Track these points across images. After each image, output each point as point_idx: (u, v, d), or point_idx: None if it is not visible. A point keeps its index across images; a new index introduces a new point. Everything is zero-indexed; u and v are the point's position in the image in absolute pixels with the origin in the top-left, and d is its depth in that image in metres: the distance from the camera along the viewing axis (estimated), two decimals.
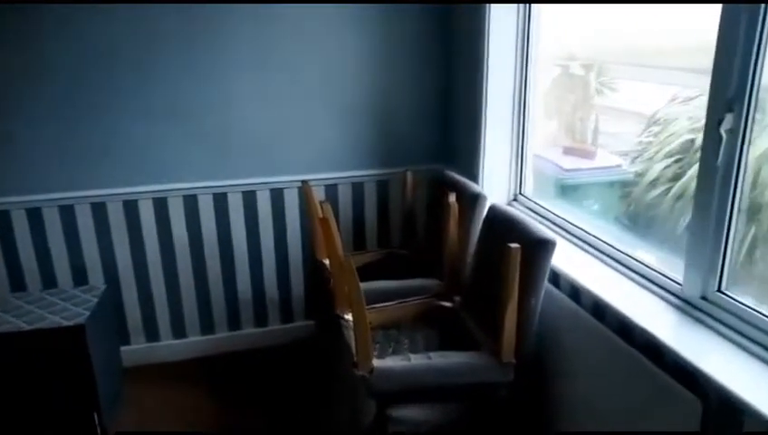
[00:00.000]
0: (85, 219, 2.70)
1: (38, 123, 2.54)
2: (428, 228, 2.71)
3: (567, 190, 2.77)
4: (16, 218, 2.63)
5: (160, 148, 2.69)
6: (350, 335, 2.04)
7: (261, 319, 3.05)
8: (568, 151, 2.89)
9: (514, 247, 1.73)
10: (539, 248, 1.81)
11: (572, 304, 1.94)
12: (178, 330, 2.96)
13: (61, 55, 2.49)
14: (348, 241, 2.98)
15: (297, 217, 2.93)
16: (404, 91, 2.88)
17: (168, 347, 2.96)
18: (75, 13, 2.45)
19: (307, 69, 2.75)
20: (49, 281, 2.73)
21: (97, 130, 2.61)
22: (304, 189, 2.55)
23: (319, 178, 2.87)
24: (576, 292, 1.95)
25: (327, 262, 2.49)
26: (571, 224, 2.25)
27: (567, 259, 2.04)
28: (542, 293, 1.87)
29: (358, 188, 2.96)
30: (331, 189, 2.93)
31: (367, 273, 2.52)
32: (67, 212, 2.67)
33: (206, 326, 2.99)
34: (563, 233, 2.25)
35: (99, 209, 2.70)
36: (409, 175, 2.71)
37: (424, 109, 2.93)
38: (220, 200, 2.83)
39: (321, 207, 2.16)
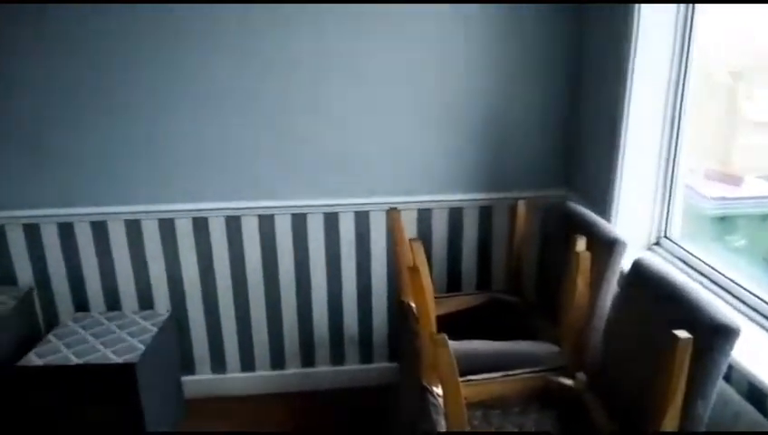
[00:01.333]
0: (151, 235, 2.44)
1: (119, 135, 2.31)
2: (543, 271, 2.21)
3: (715, 225, 2.21)
4: (80, 233, 2.41)
5: (234, 161, 2.38)
6: (439, 413, 1.60)
7: (337, 357, 2.67)
8: (712, 176, 2.31)
9: (684, 338, 1.21)
10: (716, 338, 1.28)
11: (752, 411, 1.39)
12: (247, 362, 2.65)
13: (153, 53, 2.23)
14: (440, 278, 2.53)
15: (384, 245, 2.52)
16: (519, 102, 2.39)
17: (235, 380, 2.66)
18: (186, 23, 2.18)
19: (404, 76, 2.32)
20: (113, 302, 2.50)
21: (164, 142, 2.33)
22: (392, 218, 2.13)
23: (411, 200, 2.45)
24: (758, 394, 1.40)
25: (414, 306, 2.07)
26: (747, 290, 1.67)
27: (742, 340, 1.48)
28: (714, 395, 1.34)
29: (455, 215, 2.50)
30: (425, 215, 2.49)
31: (461, 323, 2.08)
32: (133, 228, 2.42)
33: (277, 361, 2.66)
34: (730, 299, 1.69)
35: (166, 226, 2.43)
36: (522, 205, 2.22)
37: (542, 123, 2.42)
38: (299, 222, 2.47)
39: (411, 247, 1.73)
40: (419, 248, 1.70)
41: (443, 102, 2.36)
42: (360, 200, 2.45)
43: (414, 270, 1.60)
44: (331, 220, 2.48)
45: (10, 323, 2.21)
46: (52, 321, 2.48)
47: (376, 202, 2.45)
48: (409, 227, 2.43)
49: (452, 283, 2.57)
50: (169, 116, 2.31)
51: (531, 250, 2.36)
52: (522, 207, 2.22)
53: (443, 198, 2.47)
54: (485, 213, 2.50)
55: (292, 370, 2.67)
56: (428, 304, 1.65)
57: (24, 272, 2.43)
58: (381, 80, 2.32)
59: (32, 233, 2.39)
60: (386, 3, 2.22)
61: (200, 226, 2.44)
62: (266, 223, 2.46)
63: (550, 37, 2.32)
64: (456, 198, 2.47)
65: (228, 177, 2.39)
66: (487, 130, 2.41)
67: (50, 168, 2.33)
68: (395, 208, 2.16)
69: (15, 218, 2.36)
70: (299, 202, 2.44)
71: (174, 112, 2.30)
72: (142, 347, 2.11)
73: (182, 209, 2.41)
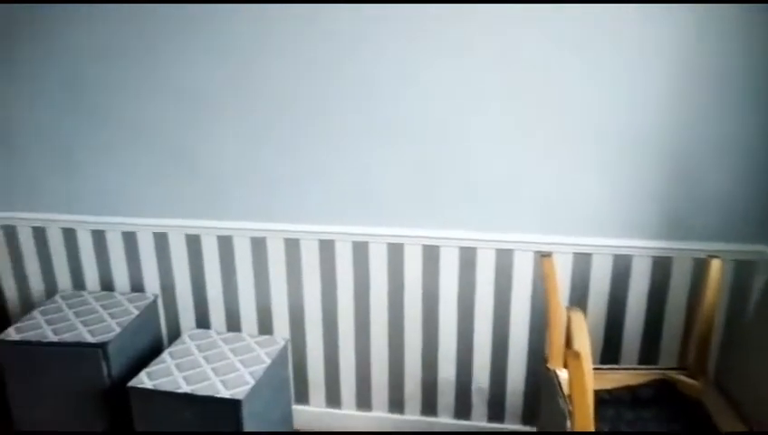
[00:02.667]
0: (277, 256, 2.29)
1: (255, 154, 2.18)
2: (736, 356, 1.71)
3: None
4: (207, 245, 2.32)
5: (365, 185, 2.14)
6: None
7: (462, 410, 2.35)
8: None
9: None
10: None
11: None
12: (363, 400, 2.42)
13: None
14: (596, 343, 2.10)
15: (529, 291, 2.15)
16: (708, 134, 1.88)
17: (350, 418, 2.44)
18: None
19: (560, 105, 1.93)
20: (234, 322, 2.40)
21: (300, 164, 2.16)
22: (544, 266, 1.76)
23: (565, 242, 2.05)
24: None
25: (563, 376, 1.69)
26: None
27: None
28: None
29: (621, 264, 2.06)
30: (582, 261, 2.07)
31: (618, 408, 1.66)
32: (259, 246, 2.28)
33: (396, 403, 2.39)
34: None
35: (292, 246, 2.27)
36: (716, 265, 1.73)
37: (739, 162, 1.89)
38: (430, 255, 2.18)
39: (571, 321, 1.36)
40: (581, 324, 1.32)
41: (614, 122, 1.93)
42: (502, 237, 2.09)
43: (574, 356, 1.23)
44: (468, 256, 2.15)
45: (136, 328, 2.20)
46: (174, 332, 2.44)
47: (522, 241, 2.08)
48: (562, 273, 2.04)
49: (609, 349, 2.12)
50: (315, 143, 2.13)
51: (721, 322, 1.86)
52: (715, 268, 1.73)
53: (606, 243, 2.03)
54: (660, 266, 2.03)
55: (412, 416, 2.39)
56: (587, 398, 1.27)
57: (151, 280, 2.41)
58: (533, 108, 1.95)
59: (162, 242, 2.35)
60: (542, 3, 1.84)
61: (326, 249, 2.24)
62: (395, 253, 2.20)
63: (753, 60, 1.79)
64: (622, 243, 2.03)
65: (358, 200, 2.16)
66: (668, 160, 1.93)
67: (186, 181, 2.26)
68: (548, 254, 1.79)
69: (147, 227, 2.34)
70: (432, 233, 2.14)
71: (323, 143, 2.12)
72: (252, 382, 1.95)
73: (309, 231, 2.23)
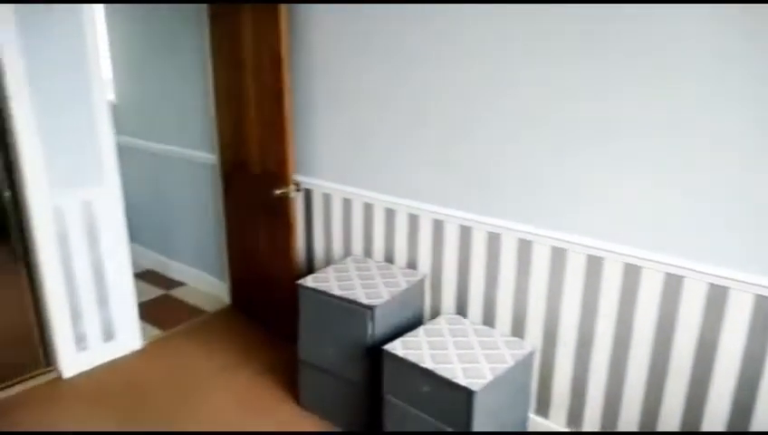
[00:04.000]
0: (541, 262, 2.27)
1: (554, 162, 2.22)
2: None
3: None
4: (477, 237, 2.43)
5: (647, 204, 1.96)
6: None
7: None
8: None
9: None
10: None
11: None
12: (608, 424, 2.24)
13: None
14: None
15: None
16: None
17: None
18: None
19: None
20: (489, 317, 2.47)
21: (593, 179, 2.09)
22: None
23: None
24: None
25: None
26: None
27: None
28: None
29: None
30: None
31: None
32: (525, 248, 2.29)
33: (648, 427, 2.16)
34: None
35: (558, 256, 2.22)
36: None
37: None
38: (716, 295, 1.89)
39: None
40: None
41: None
42: None
43: None
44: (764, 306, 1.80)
45: (402, 299, 2.45)
46: (434, 311, 2.63)
47: None
48: None
49: None
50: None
51: None
52: None
53: None
54: None
55: None
56: None
57: (424, 260, 2.63)
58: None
59: (438, 228, 2.55)
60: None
61: (593, 265, 2.13)
62: (672, 283, 1.96)
63: None
64: None
65: (636, 221, 1.99)
66: None
67: (467, 177, 2.41)
68: None
69: (429, 213, 2.56)
70: (718, 271, 1.85)
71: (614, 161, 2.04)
72: (491, 377, 1.99)
73: (578, 243, 2.15)
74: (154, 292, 3.81)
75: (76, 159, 2.74)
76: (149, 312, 3.48)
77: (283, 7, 2.65)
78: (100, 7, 3.86)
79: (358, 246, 2.89)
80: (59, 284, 2.77)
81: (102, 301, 2.95)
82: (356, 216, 2.85)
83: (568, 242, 2.16)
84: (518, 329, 2.39)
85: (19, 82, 2.49)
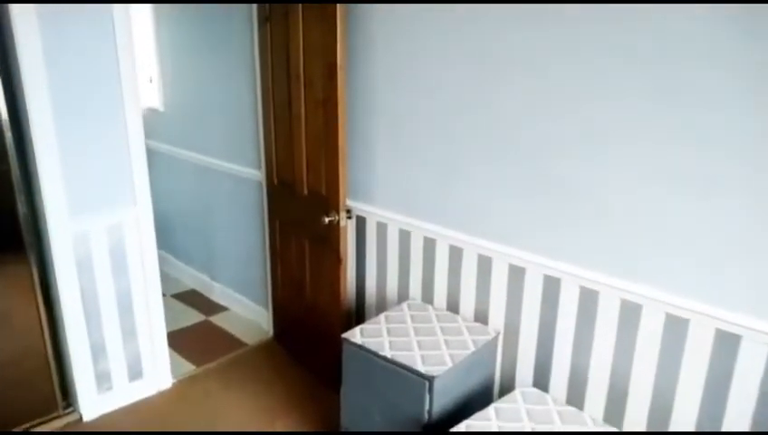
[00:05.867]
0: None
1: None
2: None
3: None
4: (567, 292, 1.93)
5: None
6: None
7: None
8: None
9: None
10: None
11: None
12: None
13: None
14: None
15: None
16: None
17: None
18: None
19: None
20: (577, 397, 1.97)
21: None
22: None
23: None
24: None
25: None
26: None
27: None
28: None
29: None
30: None
31: None
32: (631, 311, 1.78)
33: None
34: None
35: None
36: None
37: None
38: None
39: None
40: None
41: None
42: None
43: None
44: None
45: (469, 365, 2.00)
46: (509, 377, 2.15)
47: None
48: None
49: None
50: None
51: None
52: None
53: None
54: None
55: None
56: None
57: (496, 314, 2.16)
58: None
59: (517, 275, 2.07)
60: None
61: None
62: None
63: None
64: None
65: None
66: None
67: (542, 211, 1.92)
68: None
69: (504, 256, 2.08)
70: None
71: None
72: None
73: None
74: (194, 317, 3.50)
75: (104, 179, 2.42)
76: (185, 341, 3.16)
77: (341, 7, 2.24)
78: (140, 8, 3.59)
79: (416, 287, 2.44)
80: (80, 315, 2.46)
81: (129, 334, 2.63)
82: (415, 251, 2.40)
83: (688, 310, 1.64)
84: (615, 414, 1.88)
85: (40, 94, 2.19)
